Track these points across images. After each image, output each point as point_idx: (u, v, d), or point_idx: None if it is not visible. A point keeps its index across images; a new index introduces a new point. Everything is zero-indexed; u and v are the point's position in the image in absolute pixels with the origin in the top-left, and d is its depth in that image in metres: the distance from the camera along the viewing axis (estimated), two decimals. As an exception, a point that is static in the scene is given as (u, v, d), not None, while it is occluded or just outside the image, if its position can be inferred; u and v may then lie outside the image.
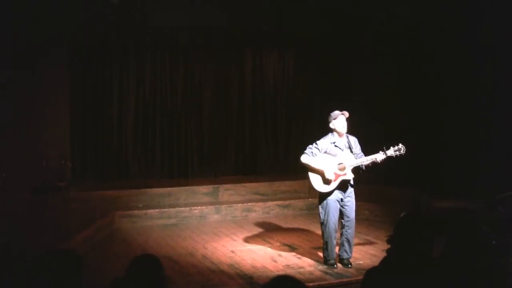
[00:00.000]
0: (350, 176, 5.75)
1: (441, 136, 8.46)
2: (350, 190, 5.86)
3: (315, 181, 5.82)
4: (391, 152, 5.60)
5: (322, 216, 5.87)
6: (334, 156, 5.76)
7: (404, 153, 5.61)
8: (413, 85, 8.93)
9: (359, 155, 5.79)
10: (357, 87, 9.84)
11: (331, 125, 5.80)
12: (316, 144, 5.84)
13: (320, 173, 5.77)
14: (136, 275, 2.60)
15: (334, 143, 5.79)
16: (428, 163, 8.42)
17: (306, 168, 5.87)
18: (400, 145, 5.61)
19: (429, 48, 8.64)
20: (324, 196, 5.81)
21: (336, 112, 5.77)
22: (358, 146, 5.90)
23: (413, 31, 8.79)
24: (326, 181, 5.74)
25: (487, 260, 2.91)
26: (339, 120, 5.75)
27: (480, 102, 7.93)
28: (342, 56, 10.27)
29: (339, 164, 5.72)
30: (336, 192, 5.78)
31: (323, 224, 5.88)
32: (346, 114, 5.76)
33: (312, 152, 5.81)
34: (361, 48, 9.81)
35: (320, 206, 5.88)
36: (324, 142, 5.83)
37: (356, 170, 5.81)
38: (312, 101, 10.91)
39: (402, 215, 2.94)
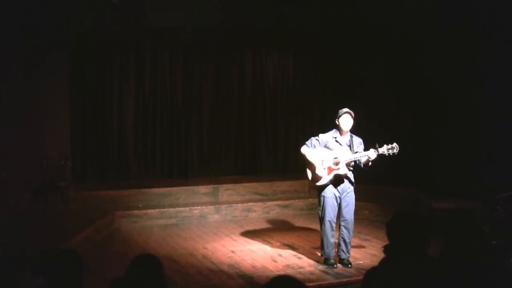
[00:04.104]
0: (343, 171, 5.76)
1: (441, 136, 8.46)
2: (349, 190, 5.88)
3: (310, 173, 5.90)
4: (383, 149, 5.60)
5: (320, 213, 5.94)
6: (332, 150, 5.81)
7: (397, 152, 5.60)
8: (414, 85, 8.93)
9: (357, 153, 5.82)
10: (357, 87, 9.84)
11: (337, 122, 5.88)
12: (317, 136, 5.95)
13: (314, 166, 5.84)
14: (136, 274, 2.60)
15: (335, 138, 5.86)
16: (428, 163, 8.42)
17: (304, 159, 5.96)
18: (394, 144, 5.62)
19: (430, 48, 8.64)
20: (320, 191, 5.88)
21: (343, 110, 5.84)
22: (362, 146, 5.91)
23: (414, 30, 8.78)
24: (320, 174, 5.80)
25: (487, 260, 2.91)
26: (343, 118, 5.81)
27: (480, 101, 7.94)
28: (342, 55, 10.27)
29: (334, 158, 5.76)
30: (332, 188, 5.82)
31: (320, 221, 5.94)
32: (352, 113, 5.83)
33: (312, 144, 5.92)
34: (361, 47, 9.81)
35: (318, 203, 5.95)
36: (325, 136, 5.93)
37: (355, 168, 5.85)
38: (312, 101, 10.91)
39: (392, 216, 2.98)
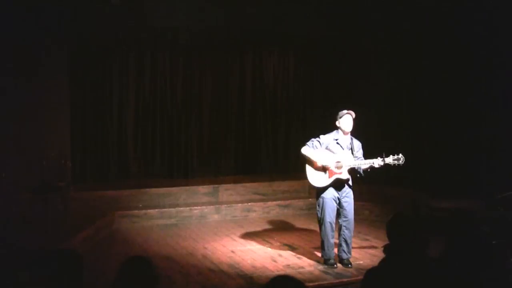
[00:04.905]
0: (345, 176, 5.76)
1: (441, 136, 8.46)
2: (348, 191, 5.87)
3: (311, 174, 5.87)
4: (389, 159, 5.60)
5: (319, 214, 5.92)
6: (334, 153, 5.79)
7: (403, 163, 5.60)
8: (414, 85, 8.93)
9: (359, 158, 5.80)
10: (358, 88, 9.83)
11: (337, 123, 5.86)
12: (319, 138, 5.92)
13: (317, 167, 5.81)
14: (126, 278, 2.59)
15: (336, 140, 5.84)
16: (428, 163, 8.42)
17: (305, 161, 5.92)
18: (400, 155, 5.61)
19: (430, 49, 8.64)
20: (320, 192, 5.86)
21: (344, 111, 5.83)
22: (361, 151, 5.91)
23: (414, 32, 8.78)
24: (322, 176, 5.77)
25: (487, 260, 2.91)
26: (344, 119, 5.80)
27: (480, 102, 7.93)
28: (342, 56, 10.27)
29: (337, 162, 5.74)
30: (332, 190, 5.81)
31: (319, 222, 5.92)
32: (353, 114, 5.81)
33: (313, 145, 5.87)
34: (361, 48, 9.81)
35: (317, 204, 5.93)
36: (327, 137, 5.89)
37: (354, 174, 5.84)
38: (312, 101, 10.91)
39: (392, 216, 2.98)
